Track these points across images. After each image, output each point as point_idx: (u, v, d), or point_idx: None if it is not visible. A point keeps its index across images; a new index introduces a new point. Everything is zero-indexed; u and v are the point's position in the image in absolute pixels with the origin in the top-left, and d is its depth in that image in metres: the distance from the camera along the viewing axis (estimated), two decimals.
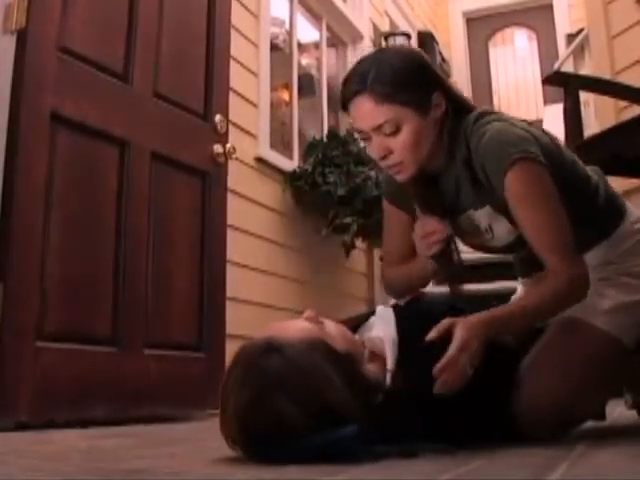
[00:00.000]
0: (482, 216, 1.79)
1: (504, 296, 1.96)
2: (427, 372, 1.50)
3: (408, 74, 1.67)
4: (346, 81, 1.71)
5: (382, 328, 1.70)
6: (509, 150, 1.62)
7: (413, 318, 1.72)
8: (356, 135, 1.76)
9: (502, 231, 1.79)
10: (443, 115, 1.71)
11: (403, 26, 6.71)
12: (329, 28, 5.50)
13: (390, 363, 1.58)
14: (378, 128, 1.66)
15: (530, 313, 1.62)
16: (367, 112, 1.66)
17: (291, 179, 4.12)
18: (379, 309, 1.81)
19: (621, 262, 1.80)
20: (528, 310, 1.61)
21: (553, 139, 1.81)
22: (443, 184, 1.81)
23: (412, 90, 1.66)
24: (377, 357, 1.61)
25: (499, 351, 1.69)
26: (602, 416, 1.95)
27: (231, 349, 2.97)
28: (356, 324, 1.74)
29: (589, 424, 1.88)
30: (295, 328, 1.44)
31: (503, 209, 1.70)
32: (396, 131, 1.66)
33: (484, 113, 1.76)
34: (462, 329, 1.49)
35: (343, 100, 1.71)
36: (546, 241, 1.64)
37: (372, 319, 1.78)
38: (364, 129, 1.69)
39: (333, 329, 1.50)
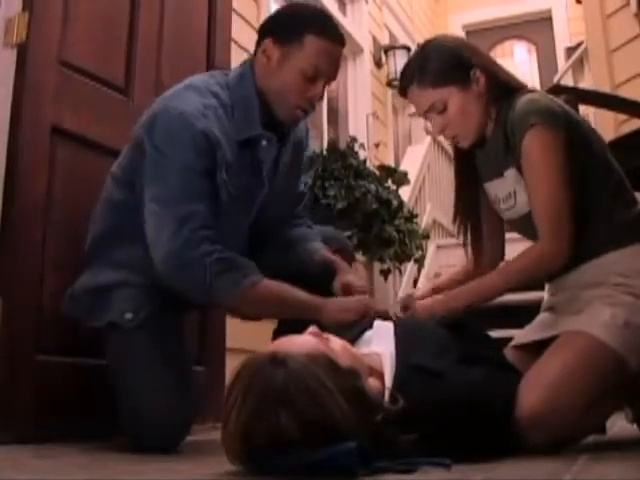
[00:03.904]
0: (510, 179, 1.94)
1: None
2: (425, 387, 1.51)
3: (447, 60, 1.96)
4: (401, 75, 2.06)
5: (380, 343, 1.70)
6: (532, 115, 1.83)
7: (411, 333, 1.73)
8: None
9: (522, 198, 1.92)
10: (486, 88, 1.95)
11: (403, 39, 6.74)
12: None
13: (388, 380, 1.58)
14: (429, 110, 1.98)
15: (485, 289, 1.89)
16: (417, 99, 1.99)
17: None
18: (377, 324, 1.81)
19: (631, 279, 1.79)
20: (483, 286, 1.89)
21: (591, 128, 2.00)
22: (487, 150, 2.03)
23: (450, 72, 1.94)
24: (375, 372, 1.61)
25: (501, 363, 1.69)
26: (603, 430, 1.95)
27: (232, 363, 2.96)
28: (352, 338, 1.74)
29: (590, 438, 1.87)
30: (299, 343, 1.44)
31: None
32: (444, 109, 1.95)
33: (531, 90, 1.99)
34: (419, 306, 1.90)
35: (400, 92, 2.06)
36: (541, 209, 1.82)
37: (368, 333, 1.79)
38: (420, 113, 2.03)
39: (337, 344, 1.50)
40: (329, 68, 2.04)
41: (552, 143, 1.81)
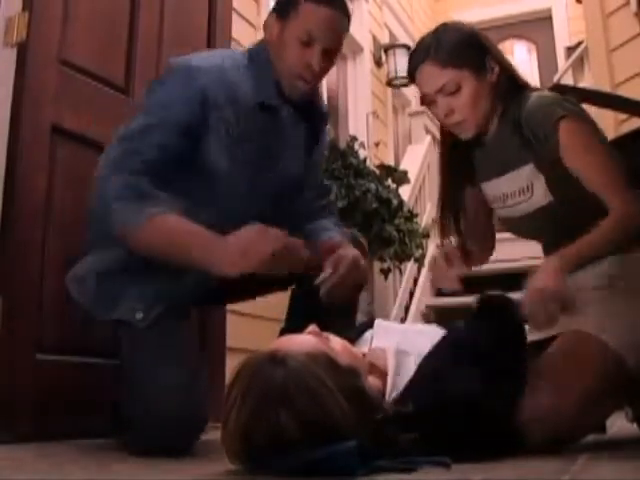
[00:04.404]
0: (524, 175, 1.94)
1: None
2: (426, 386, 1.51)
3: (465, 41, 1.94)
4: (412, 54, 2.00)
5: (384, 340, 1.70)
6: (556, 108, 1.86)
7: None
8: (422, 106, 2.18)
9: (540, 191, 1.92)
10: (497, 81, 1.94)
11: (403, 38, 6.73)
12: None
13: (392, 375, 1.58)
14: (441, 89, 1.92)
15: (595, 248, 1.80)
16: (430, 76, 1.92)
17: None
18: (377, 322, 1.81)
19: (630, 282, 1.80)
20: (593, 245, 1.79)
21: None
22: (489, 149, 2.02)
23: (468, 55, 1.91)
24: (377, 369, 1.61)
25: (502, 362, 1.69)
26: (603, 429, 1.95)
27: (232, 362, 2.97)
28: (353, 337, 1.74)
29: (590, 437, 1.87)
30: (299, 342, 1.44)
31: (545, 167, 1.89)
32: (456, 91, 1.91)
33: (536, 90, 1.99)
34: (537, 275, 1.75)
35: (409, 70, 1.99)
36: (603, 181, 1.83)
37: (368, 333, 1.79)
38: (429, 92, 1.94)
39: (336, 343, 1.50)
40: (324, 33, 2.00)
41: (587, 127, 1.88)
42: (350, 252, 1.97)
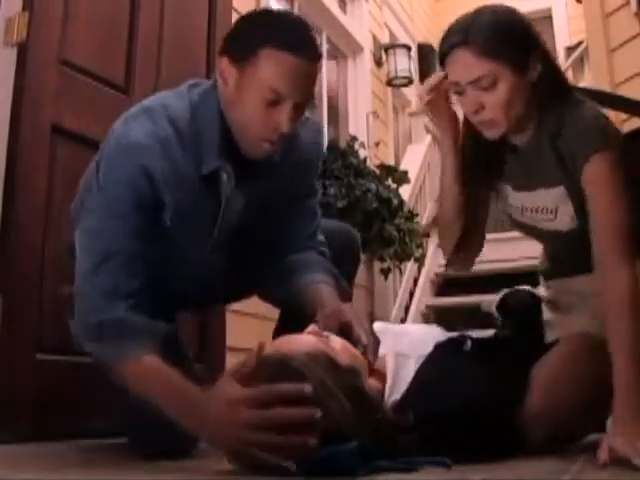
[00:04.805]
0: (552, 196, 1.77)
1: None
2: (424, 394, 1.51)
3: (510, 30, 1.69)
4: (446, 34, 1.72)
5: (383, 343, 1.70)
6: (600, 137, 1.65)
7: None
8: (451, 89, 1.75)
9: (566, 216, 1.77)
10: (537, 81, 1.70)
11: (403, 38, 6.73)
12: (329, 40, 5.52)
13: (391, 378, 1.58)
14: (475, 82, 1.67)
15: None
16: (466, 65, 1.67)
17: None
18: (376, 325, 1.81)
19: None
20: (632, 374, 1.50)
21: None
22: (523, 157, 1.80)
23: (512, 47, 1.66)
24: (376, 371, 1.61)
25: (505, 364, 1.69)
26: (603, 428, 1.94)
27: (232, 362, 2.97)
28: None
29: (590, 437, 1.87)
30: (299, 342, 1.44)
31: (576, 193, 1.70)
32: (492, 86, 1.66)
33: (583, 100, 1.76)
34: (615, 437, 1.45)
35: (441, 52, 1.72)
36: (612, 242, 1.62)
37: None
38: (460, 82, 1.69)
39: (337, 343, 1.50)
40: (294, 88, 1.64)
41: (618, 170, 1.64)
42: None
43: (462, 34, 1.67)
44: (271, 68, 1.61)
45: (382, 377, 1.62)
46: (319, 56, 1.70)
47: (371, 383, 1.53)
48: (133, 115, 1.74)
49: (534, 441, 1.63)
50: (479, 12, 1.71)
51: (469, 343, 1.73)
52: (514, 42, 1.67)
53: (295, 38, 1.65)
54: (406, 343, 1.74)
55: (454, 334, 1.82)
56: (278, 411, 1.26)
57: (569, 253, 1.87)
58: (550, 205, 1.79)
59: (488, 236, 2.03)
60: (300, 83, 1.64)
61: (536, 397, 1.65)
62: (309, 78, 1.68)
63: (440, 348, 1.74)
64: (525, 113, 1.72)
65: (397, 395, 1.61)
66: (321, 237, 2.03)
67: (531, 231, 1.92)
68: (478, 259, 2.03)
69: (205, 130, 1.71)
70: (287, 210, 1.92)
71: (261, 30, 1.66)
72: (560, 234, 1.82)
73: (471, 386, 1.59)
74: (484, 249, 2.04)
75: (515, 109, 1.69)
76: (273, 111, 1.64)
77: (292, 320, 1.77)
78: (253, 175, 1.76)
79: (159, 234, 1.68)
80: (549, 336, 1.88)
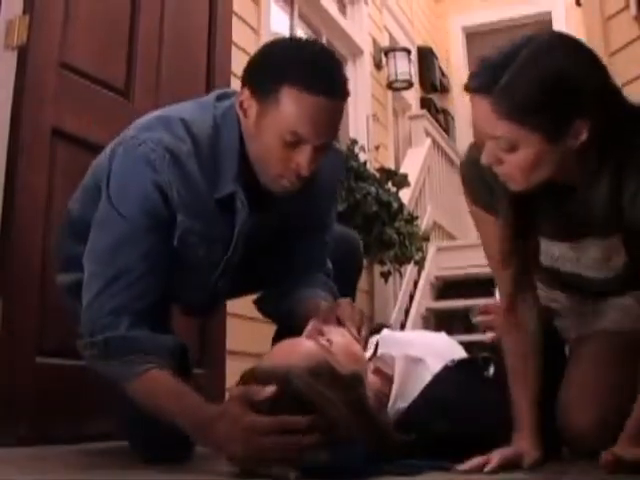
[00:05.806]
0: (605, 245, 1.59)
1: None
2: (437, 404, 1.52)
3: (548, 94, 1.37)
4: (478, 65, 1.48)
5: (393, 347, 1.69)
6: None
7: None
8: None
9: (618, 263, 1.60)
10: (586, 144, 1.40)
11: (403, 41, 6.73)
12: (329, 43, 5.51)
13: (398, 382, 1.58)
14: (491, 138, 1.43)
15: None
16: (484, 119, 1.42)
17: None
18: (385, 333, 1.80)
19: None
20: None
21: None
22: (574, 203, 1.55)
23: (546, 115, 1.38)
24: (383, 374, 1.61)
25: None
26: None
27: (232, 365, 2.96)
28: None
29: None
30: (299, 355, 1.43)
31: (633, 242, 1.53)
32: (511, 149, 1.41)
33: None
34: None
35: (466, 85, 1.47)
36: None
37: (374, 338, 1.78)
38: (479, 130, 1.47)
39: (339, 347, 1.48)
40: (315, 132, 1.55)
41: None
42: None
43: (490, 79, 1.40)
44: (293, 110, 1.53)
45: (385, 378, 1.62)
46: (346, 94, 1.61)
47: (373, 383, 1.53)
48: (150, 123, 1.67)
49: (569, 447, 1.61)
50: (524, 57, 1.39)
51: (492, 370, 1.69)
52: (550, 109, 1.38)
53: (319, 76, 1.55)
54: (417, 347, 1.73)
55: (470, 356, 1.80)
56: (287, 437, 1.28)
57: (603, 287, 1.73)
58: (600, 256, 1.61)
59: None
60: (323, 125, 1.56)
61: (584, 423, 1.57)
62: (333, 118, 1.59)
63: (458, 367, 1.71)
64: (561, 170, 1.47)
65: (403, 403, 1.60)
66: (329, 265, 1.97)
67: (562, 276, 1.73)
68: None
69: (224, 151, 1.65)
70: (299, 237, 1.87)
71: (284, 65, 1.57)
72: (603, 279, 1.67)
73: (490, 413, 1.57)
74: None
75: (539, 173, 1.45)
76: (293, 152, 1.57)
77: (290, 328, 1.75)
78: (269, 201, 1.71)
79: (171, 252, 1.65)
80: (571, 334, 1.83)
